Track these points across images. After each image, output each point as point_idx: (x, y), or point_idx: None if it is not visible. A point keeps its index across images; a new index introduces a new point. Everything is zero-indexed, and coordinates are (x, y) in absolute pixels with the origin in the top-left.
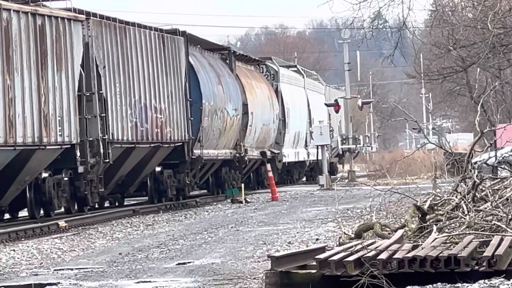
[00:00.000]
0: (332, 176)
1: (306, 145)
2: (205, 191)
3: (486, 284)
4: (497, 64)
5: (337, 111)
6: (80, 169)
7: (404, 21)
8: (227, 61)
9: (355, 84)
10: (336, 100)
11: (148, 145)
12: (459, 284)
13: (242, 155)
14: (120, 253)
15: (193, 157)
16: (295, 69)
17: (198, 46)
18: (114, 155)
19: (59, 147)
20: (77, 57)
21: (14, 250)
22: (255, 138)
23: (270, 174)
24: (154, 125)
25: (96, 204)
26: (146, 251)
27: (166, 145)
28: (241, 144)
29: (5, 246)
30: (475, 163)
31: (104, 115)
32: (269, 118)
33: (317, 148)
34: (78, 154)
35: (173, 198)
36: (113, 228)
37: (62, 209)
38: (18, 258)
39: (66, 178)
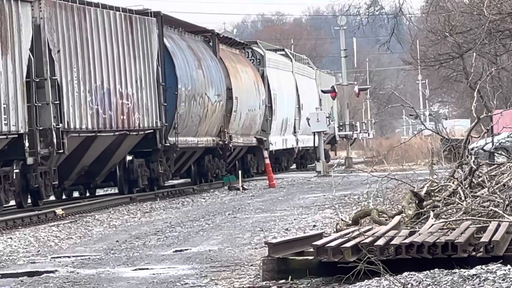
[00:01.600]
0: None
1: (294, 132)
2: (189, 180)
3: (483, 269)
4: (493, 50)
5: (333, 98)
6: (30, 160)
7: (400, 7)
8: (211, 44)
9: (352, 71)
10: (332, 87)
11: (113, 133)
12: (456, 270)
13: (226, 142)
14: (117, 241)
15: (166, 145)
16: (283, 53)
17: (178, 28)
18: (71, 145)
19: (5, 137)
20: (25, 41)
21: (11, 238)
22: (240, 124)
23: (267, 161)
24: (120, 111)
25: (53, 196)
26: (143, 238)
27: (135, 133)
28: (225, 131)
29: (2, 234)
30: (472, 149)
31: (58, 102)
32: (255, 104)
33: (314, 135)
34: (27, 144)
35: (145, 189)
36: (110, 216)
37: (13, 202)
38: (15, 246)
39: (16, 170)
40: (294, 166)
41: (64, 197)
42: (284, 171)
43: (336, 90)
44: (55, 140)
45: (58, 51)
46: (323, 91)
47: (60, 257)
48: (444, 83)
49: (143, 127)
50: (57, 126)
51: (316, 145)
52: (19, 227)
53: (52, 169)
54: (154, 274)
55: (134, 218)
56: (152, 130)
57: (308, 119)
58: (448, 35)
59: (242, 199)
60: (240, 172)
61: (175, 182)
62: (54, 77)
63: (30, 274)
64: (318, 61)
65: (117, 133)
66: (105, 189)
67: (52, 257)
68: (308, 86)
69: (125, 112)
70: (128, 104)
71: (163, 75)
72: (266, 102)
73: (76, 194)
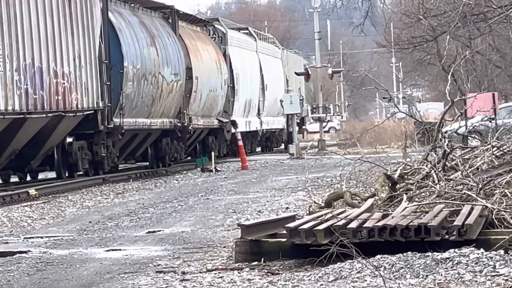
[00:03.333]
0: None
1: (259, 114)
2: (147, 163)
3: (456, 253)
4: (467, 33)
5: (307, 80)
6: None
7: None
8: (170, 21)
9: (326, 53)
10: (306, 69)
11: (45, 115)
12: (429, 253)
13: (185, 124)
14: (90, 221)
15: (109, 126)
16: (247, 31)
17: (129, 3)
18: None
19: None
20: None
21: None
22: (200, 105)
23: (240, 142)
24: (54, 91)
25: None
26: (116, 219)
27: (72, 114)
28: (185, 112)
29: None
30: (446, 132)
31: None
32: (216, 84)
33: (287, 117)
34: None
35: (88, 173)
36: (83, 197)
37: None
38: None
39: None
40: (259, 149)
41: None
42: (248, 155)
43: (310, 72)
44: None
45: None
46: (296, 73)
47: (33, 237)
48: (418, 66)
49: (82, 107)
50: None
51: (283, 127)
52: None
53: None
54: (126, 255)
55: (107, 199)
56: (93, 111)
57: (281, 101)
58: (422, 18)
59: (215, 181)
60: (213, 153)
61: (128, 166)
62: None
63: (3, 254)
64: (292, 43)
65: (50, 114)
66: (46, 173)
67: (25, 238)
68: (273, 66)
69: (60, 92)
70: (64, 83)
71: (107, 52)
72: (228, 82)
73: (16, 179)
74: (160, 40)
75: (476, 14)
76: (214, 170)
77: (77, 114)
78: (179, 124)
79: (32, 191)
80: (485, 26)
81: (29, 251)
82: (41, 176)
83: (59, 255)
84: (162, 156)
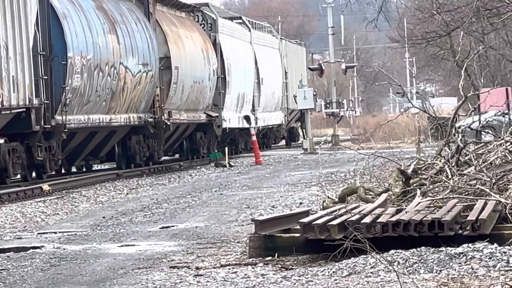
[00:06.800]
0: (292, 143)
1: (253, 110)
2: (113, 164)
3: (470, 248)
4: (480, 28)
5: (321, 75)
6: None
7: None
8: (144, 5)
9: (339, 48)
10: (319, 64)
11: None
12: (443, 248)
13: (159, 119)
14: (103, 217)
15: (46, 126)
16: (240, 21)
17: None
18: None
19: None
20: None
21: None
22: (183, 98)
23: (254, 138)
24: None
25: None
26: (130, 214)
27: None
28: (162, 106)
29: None
30: (459, 127)
31: None
32: (203, 74)
33: (301, 112)
34: None
35: (27, 178)
36: (97, 192)
37: None
38: (1, 221)
39: None
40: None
41: None
42: (239, 154)
43: (324, 67)
44: None
45: None
46: (310, 69)
47: (46, 233)
48: (431, 61)
49: (10, 105)
50: None
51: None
52: (6, 202)
53: None
54: (140, 250)
55: (121, 194)
56: (24, 109)
57: (295, 96)
58: (435, 13)
59: (229, 176)
60: (226, 149)
61: (100, 167)
62: None
63: (17, 249)
64: (305, 38)
65: None
66: None
67: (38, 233)
68: (270, 57)
69: None
70: None
71: (46, 42)
72: (219, 72)
73: None
74: (124, 27)
75: (489, 9)
76: (228, 165)
77: (3, 112)
78: (150, 119)
79: (45, 187)
80: (499, 21)
81: (42, 246)
82: None
83: (72, 250)
84: (132, 155)
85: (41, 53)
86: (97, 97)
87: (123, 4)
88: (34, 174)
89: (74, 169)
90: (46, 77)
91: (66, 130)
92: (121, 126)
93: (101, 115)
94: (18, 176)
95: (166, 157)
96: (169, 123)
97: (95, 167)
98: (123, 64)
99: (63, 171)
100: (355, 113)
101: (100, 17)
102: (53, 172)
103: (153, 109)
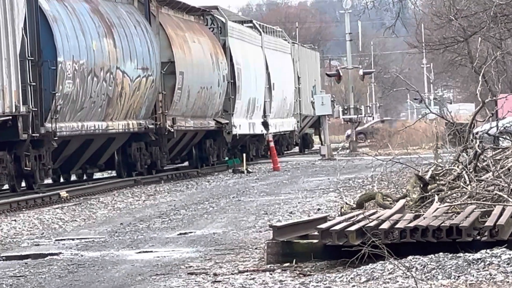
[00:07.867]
0: (306, 150)
1: (264, 116)
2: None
3: (488, 253)
4: (498, 34)
5: (338, 81)
6: None
7: None
8: (144, 7)
9: (357, 55)
10: (337, 70)
11: None
12: (461, 254)
13: (162, 126)
14: (121, 223)
15: (34, 134)
16: (251, 24)
17: None
18: None
19: None
20: None
21: (15, 220)
22: (188, 105)
23: (272, 144)
24: None
25: None
26: (148, 221)
27: None
28: (165, 112)
29: (6, 216)
30: (477, 133)
31: None
32: (212, 80)
33: (319, 118)
34: None
35: (15, 189)
36: (115, 198)
37: None
38: (19, 228)
39: None
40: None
41: None
42: (251, 160)
43: (341, 74)
44: None
45: None
46: (327, 75)
47: (64, 239)
48: (449, 67)
49: None
50: None
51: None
52: (23, 209)
53: None
54: (158, 257)
55: (139, 200)
56: (10, 117)
57: (312, 102)
58: (453, 19)
59: (247, 182)
60: (244, 155)
61: (100, 175)
62: None
63: (34, 256)
64: (323, 44)
65: None
66: None
67: (56, 240)
68: (282, 62)
69: None
70: None
71: (35, 47)
72: (229, 78)
73: None
74: (122, 30)
75: (507, 14)
76: (245, 171)
77: None
78: (152, 126)
79: (63, 193)
80: None
81: (60, 253)
82: None
83: (90, 257)
84: (133, 163)
85: (29, 58)
86: (91, 103)
87: (122, 7)
88: (24, 184)
89: (73, 177)
90: (34, 84)
91: (56, 138)
92: (119, 133)
93: (97, 122)
94: (6, 186)
95: (171, 165)
96: (172, 130)
97: (100, 175)
98: (120, 68)
99: (61, 180)
100: (373, 119)
101: (95, 20)
102: (44, 182)
103: (155, 116)
